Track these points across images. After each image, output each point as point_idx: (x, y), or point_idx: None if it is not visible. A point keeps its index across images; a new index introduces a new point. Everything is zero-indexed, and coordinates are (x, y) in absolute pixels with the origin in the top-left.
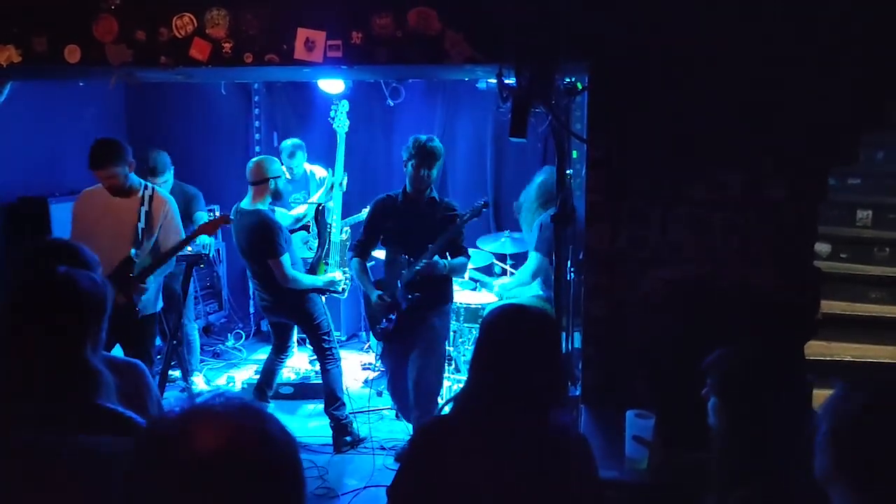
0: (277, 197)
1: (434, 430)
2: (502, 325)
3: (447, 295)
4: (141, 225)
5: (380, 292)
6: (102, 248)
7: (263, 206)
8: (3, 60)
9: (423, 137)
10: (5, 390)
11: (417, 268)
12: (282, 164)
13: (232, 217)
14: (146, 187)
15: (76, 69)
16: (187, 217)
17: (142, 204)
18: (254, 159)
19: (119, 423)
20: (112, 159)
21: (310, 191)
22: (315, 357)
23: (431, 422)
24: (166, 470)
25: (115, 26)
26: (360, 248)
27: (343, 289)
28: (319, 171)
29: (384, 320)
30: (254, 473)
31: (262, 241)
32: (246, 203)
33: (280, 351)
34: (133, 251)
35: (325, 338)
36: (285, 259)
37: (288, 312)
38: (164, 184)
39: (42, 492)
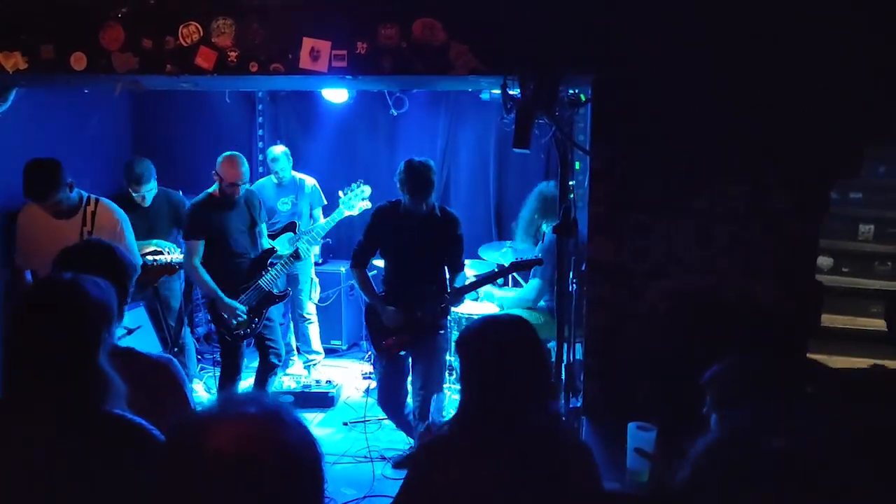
0: None
1: (435, 446)
2: (476, 340)
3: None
4: None
5: (392, 308)
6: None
7: None
8: (9, 67)
9: (416, 164)
10: (17, 398)
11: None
12: (272, 170)
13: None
14: (88, 202)
15: (82, 76)
16: (176, 224)
17: (83, 224)
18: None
19: (129, 430)
20: (54, 188)
21: (298, 196)
22: (309, 363)
23: (433, 439)
24: (182, 472)
25: (122, 34)
26: (360, 258)
27: None
28: (309, 180)
29: (392, 337)
30: (264, 481)
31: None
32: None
33: (276, 361)
34: None
35: None
36: None
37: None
38: (150, 192)
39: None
